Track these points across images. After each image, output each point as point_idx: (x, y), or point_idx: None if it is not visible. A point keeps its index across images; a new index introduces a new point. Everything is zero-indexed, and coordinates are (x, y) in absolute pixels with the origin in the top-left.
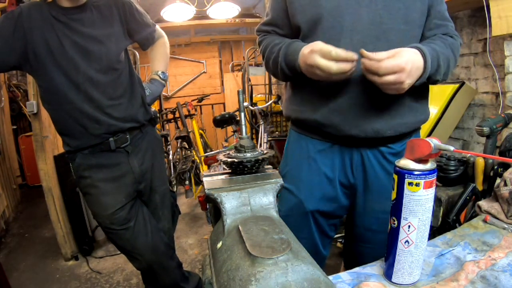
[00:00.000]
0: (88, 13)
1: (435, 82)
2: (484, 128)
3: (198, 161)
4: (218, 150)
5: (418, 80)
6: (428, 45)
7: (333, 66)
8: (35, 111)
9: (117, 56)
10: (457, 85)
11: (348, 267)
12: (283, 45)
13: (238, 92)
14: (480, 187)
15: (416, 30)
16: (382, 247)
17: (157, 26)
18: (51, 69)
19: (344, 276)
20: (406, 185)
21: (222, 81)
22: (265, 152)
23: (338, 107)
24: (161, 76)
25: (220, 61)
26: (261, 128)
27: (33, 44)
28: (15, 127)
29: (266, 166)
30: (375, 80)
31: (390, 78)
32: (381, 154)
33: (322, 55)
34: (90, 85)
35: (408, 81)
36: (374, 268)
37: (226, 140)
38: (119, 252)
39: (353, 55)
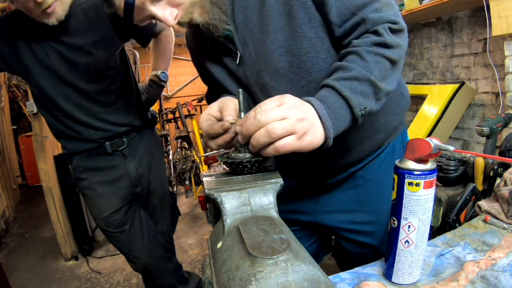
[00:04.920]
0: (73, 20)
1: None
2: (484, 128)
3: (198, 161)
4: (218, 150)
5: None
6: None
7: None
8: (35, 111)
9: (106, 63)
10: (457, 85)
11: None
12: None
13: (238, 92)
14: (480, 187)
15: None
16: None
17: None
18: (39, 78)
19: (344, 276)
20: (406, 185)
21: None
22: None
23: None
24: (160, 77)
25: None
26: None
27: (20, 54)
28: (15, 127)
29: (266, 166)
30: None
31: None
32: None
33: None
34: (80, 95)
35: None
36: (374, 268)
37: (226, 144)
38: (119, 252)
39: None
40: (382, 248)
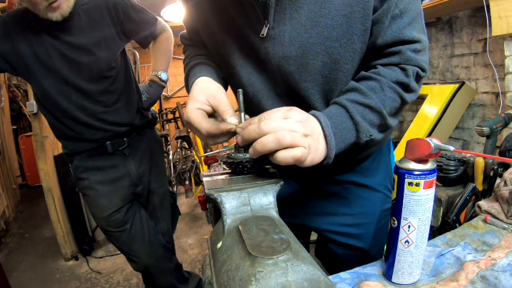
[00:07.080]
0: (76, 19)
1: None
2: (484, 128)
3: (198, 161)
4: (218, 150)
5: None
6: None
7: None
8: (35, 111)
9: (108, 64)
10: (457, 85)
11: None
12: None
13: (238, 92)
14: (480, 187)
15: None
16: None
17: (160, 20)
18: (41, 79)
19: (344, 276)
20: (406, 185)
21: None
22: None
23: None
24: (161, 77)
25: None
26: None
27: (22, 54)
28: (15, 127)
29: (266, 166)
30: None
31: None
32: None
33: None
34: (81, 95)
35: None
36: (374, 268)
37: (226, 140)
38: (119, 252)
39: (229, 127)
40: (371, 250)
